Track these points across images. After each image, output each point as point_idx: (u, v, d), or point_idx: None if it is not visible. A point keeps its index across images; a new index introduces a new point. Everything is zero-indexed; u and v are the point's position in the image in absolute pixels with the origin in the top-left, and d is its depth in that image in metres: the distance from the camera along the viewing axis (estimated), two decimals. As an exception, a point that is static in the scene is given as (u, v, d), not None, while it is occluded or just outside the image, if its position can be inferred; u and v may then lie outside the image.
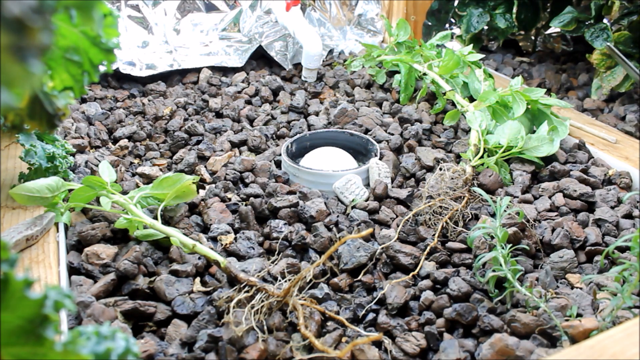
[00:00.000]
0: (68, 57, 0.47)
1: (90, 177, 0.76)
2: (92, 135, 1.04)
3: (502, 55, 1.50)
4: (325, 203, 0.83)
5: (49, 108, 0.45)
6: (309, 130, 1.09)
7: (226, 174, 0.92)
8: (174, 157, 0.99)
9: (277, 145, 1.06)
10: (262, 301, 0.61)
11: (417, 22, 1.53)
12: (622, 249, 0.73)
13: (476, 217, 0.80)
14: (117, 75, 1.31)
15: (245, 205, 0.83)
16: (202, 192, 0.88)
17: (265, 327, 0.61)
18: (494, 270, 0.64)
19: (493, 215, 0.77)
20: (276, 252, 0.75)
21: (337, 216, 0.81)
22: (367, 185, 0.92)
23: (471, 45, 1.19)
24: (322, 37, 1.47)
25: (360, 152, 1.02)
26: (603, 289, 0.66)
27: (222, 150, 1.01)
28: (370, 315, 0.65)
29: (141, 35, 1.37)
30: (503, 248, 0.65)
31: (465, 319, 0.63)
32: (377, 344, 0.62)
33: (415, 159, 0.96)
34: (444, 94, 1.09)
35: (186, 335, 0.61)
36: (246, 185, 0.91)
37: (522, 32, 1.53)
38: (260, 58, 1.45)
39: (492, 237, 0.71)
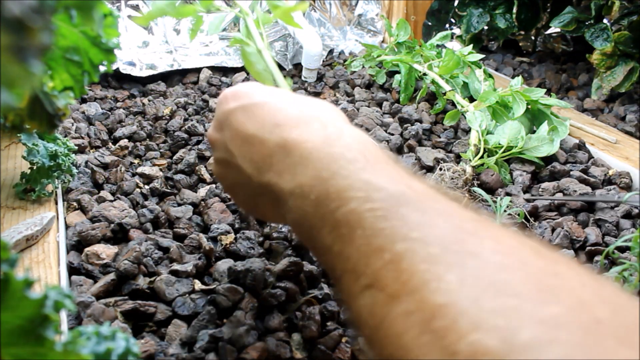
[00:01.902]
0: (68, 57, 0.47)
1: None
2: (92, 135, 1.04)
3: (502, 55, 1.50)
4: (325, 203, 0.83)
5: (49, 108, 0.45)
6: (309, 130, 1.09)
7: (226, 174, 0.92)
8: (174, 157, 0.99)
9: (277, 145, 1.06)
10: None
11: (417, 22, 1.53)
12: (622, 249, 0.73)
13: (476, 217, 0.80)
14: (117, 75, 1.31)
15: (246, 205, 0.83)
16: (202, 192, 0.88)
17: (265, 327, 0.61)
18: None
19: (493, 215, 0.77)
20: (277, 252, 0.75)
21: (337, 216, 0.81)
22: (367, 185, 0.92)
23: (471, 45, 1.19)
24: (322, 37, 1.47)
25: (360, 152, 1.02)
26: (603, 289, 0.66)
27: (222, 150, 1.01)
28: (371, 315, 0.65)
29: (141, 35, 1.37)
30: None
31: (465, 319, 0.63)
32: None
33: (416, 159, 0.96)
34: (444, 94, 1.09)
35: (186, 335, 0.61)
36: (246, 185, 0.91)
37: (522, 32, 1.53)
38: (260, 58, 1.44)
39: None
